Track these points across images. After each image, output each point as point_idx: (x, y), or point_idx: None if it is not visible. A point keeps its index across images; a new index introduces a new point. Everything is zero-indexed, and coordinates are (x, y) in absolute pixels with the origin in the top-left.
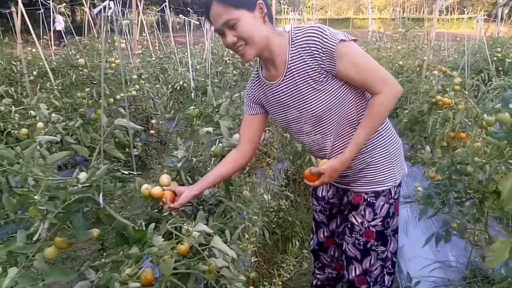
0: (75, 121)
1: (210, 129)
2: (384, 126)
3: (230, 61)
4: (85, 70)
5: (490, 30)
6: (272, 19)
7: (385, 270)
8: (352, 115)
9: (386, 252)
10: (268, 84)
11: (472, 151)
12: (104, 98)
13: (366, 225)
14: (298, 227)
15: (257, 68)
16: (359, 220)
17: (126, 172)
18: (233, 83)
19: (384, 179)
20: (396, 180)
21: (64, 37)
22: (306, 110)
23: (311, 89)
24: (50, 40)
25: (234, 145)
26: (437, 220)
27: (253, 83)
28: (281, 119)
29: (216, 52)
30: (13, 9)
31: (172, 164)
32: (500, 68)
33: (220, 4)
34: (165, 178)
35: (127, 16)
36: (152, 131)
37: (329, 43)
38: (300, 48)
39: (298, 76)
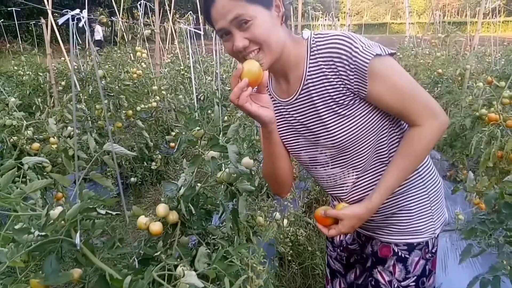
0: (88, 135)
1: (216, 153)
2: (424, 163)
3: None
4: (103, 82)
5: None
6: (287, 21)
7: None
8: (383, 148)
9: None
10: (279, 101)
11: None
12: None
13: (395, 285)
14: (319, 259)
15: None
16: (387, 279)
17: (103, 212)
18: None
19: (421, 229)
20: (435, 230)
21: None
22: (325, 137)
23: (332, 113)
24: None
25: (244, 172)
26: (484, 257)
27: None
28: (290, 145)
29: None
30: (42, 20)
31: (171, 193)
32: None
33: None
34: (161, 208)
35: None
36: (172, 144)
37: (360, 58)
38: (322, 61)
39: (316, 95)
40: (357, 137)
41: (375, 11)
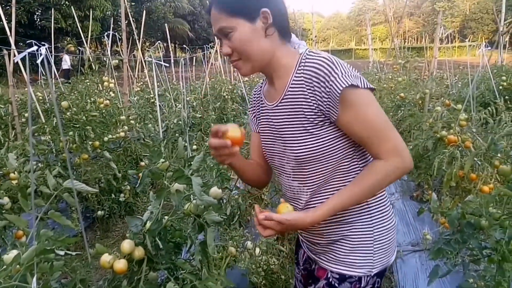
0: (53, 169)
1: (181, 186)
2: (378, 200)
3: (229, 96)
4: (68, 113)
5: (493, 58)
6: (286, 32)
7: None
8: (341, 174)
9: None
10: (266, 104)
11: (485, 201)
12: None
13: None
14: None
15: (264, 80)
16: None
17: (62, 253)
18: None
19: (356, 263)
20: (372, 269)
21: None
22: (290, 149)
23: (302, 127)
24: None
25: (211, 202)
26: (452, 276)
27: (255, 96)
28: (267, 148)
29: (215, 87)
30: (4, 51)
31: (136, 229)
32: (507, 98)
33: (217, 9)
34: (126, 244)
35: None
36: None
37: (336, 84)
38: (304, 77)
39: (292, 107)
40: (317, 157)
41: (340, 38)
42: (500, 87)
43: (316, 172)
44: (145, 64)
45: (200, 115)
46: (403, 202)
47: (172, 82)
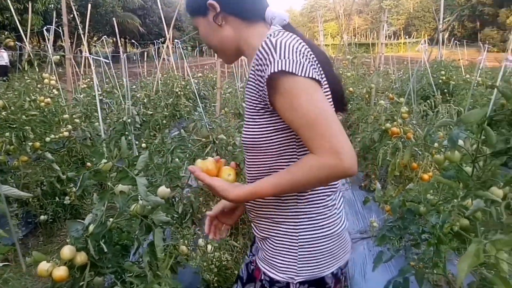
0: None
1: (125, 187)
2: (310, 205)
3: (182, 92)
4: (3, 113)
5: (434, 54)
6: (250, 13)
7: None
8: (282, 167)
9: None
10: None
11: (424, 188)
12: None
13: None
14: None
15: None
16: None
17: None
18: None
19: (280, 267)
20: (295, 277)
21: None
22: (242, 132)
23: (248, 114)
24: None
25: (159, 203)
26: (397, 259)
27: None
28: None
29: (167, 83)
30: None
31: (76, 233)
32: (445, 91)
33: (187, 13)
34: (67, 250)
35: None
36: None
37: (268, 68)
38: (255, 60)
39: (247, 92)
40: (258, 145)
41: None
42: (440, 81)
43: (258, 162)
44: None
45: (151, 112)
46: (353, 191)
47: (122, 79)
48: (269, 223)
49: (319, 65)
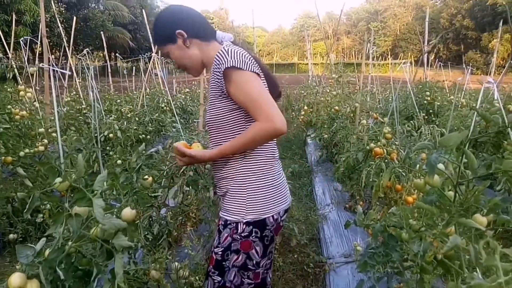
0: None
1: (81, 209)
2: (254, 164)
3: (167, 108)
4: None
5: (419, 74)
6: (207, 35)
7: None
8: (233, 135)
9: (223, 283)
10: None
11: (406, 213)
12: None
13: (212, 249)
14: None
15: None
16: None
17: None
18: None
19: (232, 210)
20: (244, 217)
21: None
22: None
23: (210, 101)
24: None
25: (119, 226)
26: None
27: None
28: None
29: (153, 98)
30: None
31: (25, 260)
32: (430, 111)
33: (157, 44)
34: (16, 279)
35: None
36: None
37: (223, 66)
38: (214, 63)
39: (210, 86)
40: (217, 124)
41: (284, 52)
42: (425, 102)
43: (218, 134)
44: (74, 71)
45: (135, 128)
46: (338, 212)
47: (109, 93)
48: (226, 181)
49: (258, 66)
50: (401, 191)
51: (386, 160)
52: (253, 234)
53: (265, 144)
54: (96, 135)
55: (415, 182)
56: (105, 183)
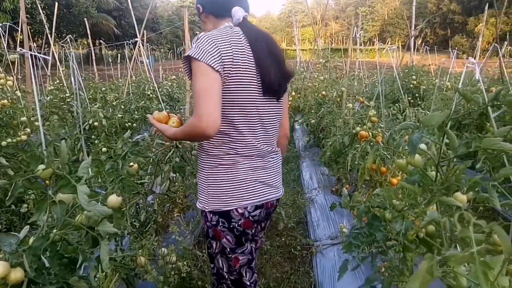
0: None
1: (66, 196)
2: (210, 162)
3: (153, 95)
4: None
5: (405, 59)
6: (220, 13)
7: (224, 285)
8: None
9: (215, 270)
10: None
11: (389, 193)
12: None
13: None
14: None
15: None
16: None
17: None
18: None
19: (199, 198)
20: (206, 207)
21: None
22: None
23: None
24: None
25: (104, 213)
26: (367, 266)
27: None
28: None
29: (139, 86)
30: None
31: (9, 248)
32: (416, 95)
33: None
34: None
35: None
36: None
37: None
38: None
39: None
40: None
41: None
42: (411, 85)
43: None
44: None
45: (121, 115)
46: (325, 196)
47: (93, 81)
48: (198, 171)
49: (232, 58)
50: (386, 173)
51: (371, 143)
52: (220, 224)
53: (230, 141)
54: (79, 123)
55: (397, 163)
56: (90, 170)
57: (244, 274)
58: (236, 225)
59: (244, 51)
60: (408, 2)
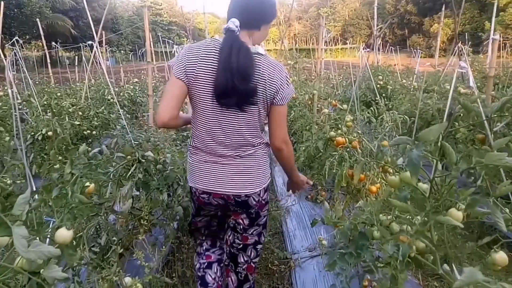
0: None
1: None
2: (188, 148)
3: (114, 100)
4: None
5: (371, 59)
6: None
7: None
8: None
9: None
10: None
11: (376, 209)
12: None
13: None
14: None
15: None
16: None
17: None
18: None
19: None
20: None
21: None
22: None
23: None
24: None
25: (50, 254)
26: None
27: None
28: None
29: (99, 90)
30: None
31: None
32: (383, 95)
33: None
34: None
35: None
36: None
37: None
38: None
39: None
40: None
41: None
42: (378, 86)
43: None
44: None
45: (78, 123)
46: (300, 203)
47: (48, 85)
48: None
49: (195, 67)
50: (364, 180)
51: (348, 149)
52: (192, 196)
53: (193, 134)
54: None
55: (390, 180)
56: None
57: (202, 244)
58: (194, 198)
59: (210, 62)
60: (368, 3)
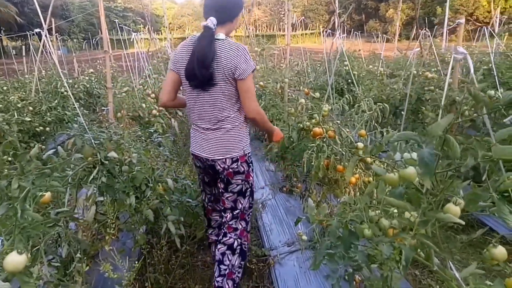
0: None
1: None
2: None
3: (68, 93)
4: None
5: (335, 45)
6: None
7: None
8: None
9: None
10: None
11: (364, 205)
12: None
13: None
14: None
15: None
16: None
17: None
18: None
19: None
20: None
21: None
22: None
23: None
24: None
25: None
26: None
27: None
28: None
29: (51, 82)
30: None
31: None
32: (349, 81)
33: None
34: None
35: None
36: None
37: None
38: None
39: None
40: None
41: (196, 25)
42: (344, 71)
43: None
44: None
45: (29, 119)
46: (274, 196)
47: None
48: None
49: (180, 59)
50: (343, 171)
51: (324, 139)
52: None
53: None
54: None
55: (387, 178)
56: None
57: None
58: (194, 162)
59: (186, 53)
60: None
